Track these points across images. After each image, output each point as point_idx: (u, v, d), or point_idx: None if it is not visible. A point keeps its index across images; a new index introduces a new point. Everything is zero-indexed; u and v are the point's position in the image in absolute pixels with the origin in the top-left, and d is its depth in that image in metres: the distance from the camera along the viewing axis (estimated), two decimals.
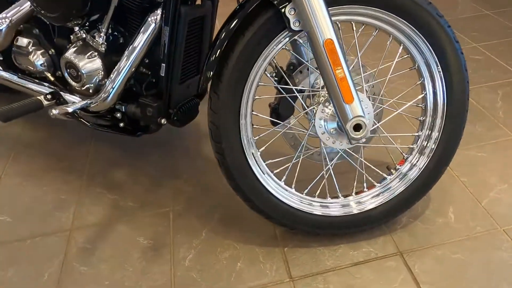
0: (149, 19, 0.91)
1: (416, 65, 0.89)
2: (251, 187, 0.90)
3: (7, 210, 1.15)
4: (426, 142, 0.93)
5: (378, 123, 0.95)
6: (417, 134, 0.96)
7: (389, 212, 0.96)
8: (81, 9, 0.90)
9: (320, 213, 0.95)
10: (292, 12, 0.74)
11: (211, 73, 0.81)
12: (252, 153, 0.89)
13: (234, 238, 1.03)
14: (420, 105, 0.94)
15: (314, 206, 0.95)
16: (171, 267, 0.97)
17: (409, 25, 0.82)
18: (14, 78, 1.15)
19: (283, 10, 0.74)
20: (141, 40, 0.92)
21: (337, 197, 0.98)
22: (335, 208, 0.97)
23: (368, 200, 0.97)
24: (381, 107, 0.94)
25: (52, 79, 1.12)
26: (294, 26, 0.75)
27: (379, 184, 0.98)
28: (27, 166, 1.29)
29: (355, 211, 0.96)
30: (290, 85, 0.87)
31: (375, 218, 0.96)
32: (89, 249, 1.03)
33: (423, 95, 0.92)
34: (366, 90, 0.89)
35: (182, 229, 1.07)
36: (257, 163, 0.90)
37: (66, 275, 0.97)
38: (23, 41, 1.11)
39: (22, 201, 1.17)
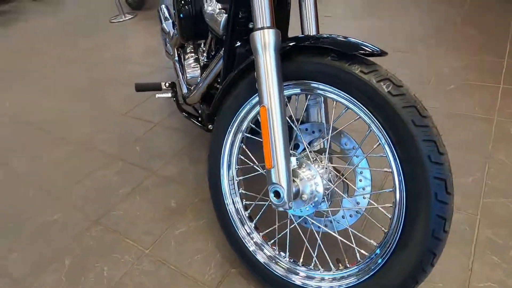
0: (221, 50, 1.19)
1: (390, 170, 0.77)
2: (217, 201, 1.07)
3: (146, 145, 1.77)
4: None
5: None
6: (376, 244, 0.82)
7: None
8: (191, 36, 1.30)
9: (262, 260, 1.00)
10: None
11: (215, 106, 1.03)
12: (227, 175, 1.05)
13: (214, 237, 1.22)
14: (388, 216, 0.80)
15: (263, 251, 1.00)
16: (166, 229, 1.29)
17: (377, 121, 0.74)
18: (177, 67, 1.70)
19: None
20: (215, 63, 1.22)
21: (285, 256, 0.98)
22: (278, 266, 0.98)
23: (306, 278, 0.93)
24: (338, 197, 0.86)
25: None
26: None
27: (318, 270, 0.91)
28: (176, 123, 1.88)
29: (292, 280, 0.95)
30: None
31: None
32: (149, 190, 1.49)
33: (391, 206, 0.78)
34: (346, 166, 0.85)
35: (194, 211, 1.35)
36: (228, 185, 1.05)
37: (128, 197, 1.47)
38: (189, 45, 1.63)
39: (154, 145, 1.76)
